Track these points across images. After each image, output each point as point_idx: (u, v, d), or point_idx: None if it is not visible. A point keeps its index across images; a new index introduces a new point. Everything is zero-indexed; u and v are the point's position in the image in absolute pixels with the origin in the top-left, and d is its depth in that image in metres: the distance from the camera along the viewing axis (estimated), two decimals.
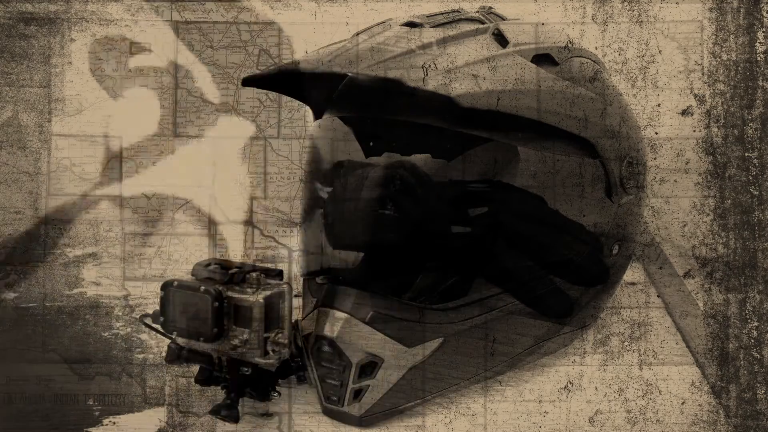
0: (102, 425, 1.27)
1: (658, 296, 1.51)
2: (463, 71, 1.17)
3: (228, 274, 1.17)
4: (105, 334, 1.45)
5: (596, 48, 1.56)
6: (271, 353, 1.15)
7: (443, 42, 1.20)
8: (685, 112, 1.57)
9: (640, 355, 1.39)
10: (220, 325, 1.15)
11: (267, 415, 1.25)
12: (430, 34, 1.21)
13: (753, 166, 1.52)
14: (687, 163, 1.57)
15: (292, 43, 1.59)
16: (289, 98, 1.27)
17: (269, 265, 1.25)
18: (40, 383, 1.34)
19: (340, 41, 1.24)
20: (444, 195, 1.27)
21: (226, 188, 1.59)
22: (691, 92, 1.57)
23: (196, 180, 1.59)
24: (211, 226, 1.58)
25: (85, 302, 1.51)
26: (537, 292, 1.28)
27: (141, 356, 1.40)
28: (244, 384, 1.19)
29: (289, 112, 1.59)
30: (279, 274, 1.21)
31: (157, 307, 1.20)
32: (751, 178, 1.52)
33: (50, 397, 1.32)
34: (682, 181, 1.57)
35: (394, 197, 1.29)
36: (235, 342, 1.15)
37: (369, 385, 1.20)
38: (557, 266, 1.29)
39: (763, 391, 1.37)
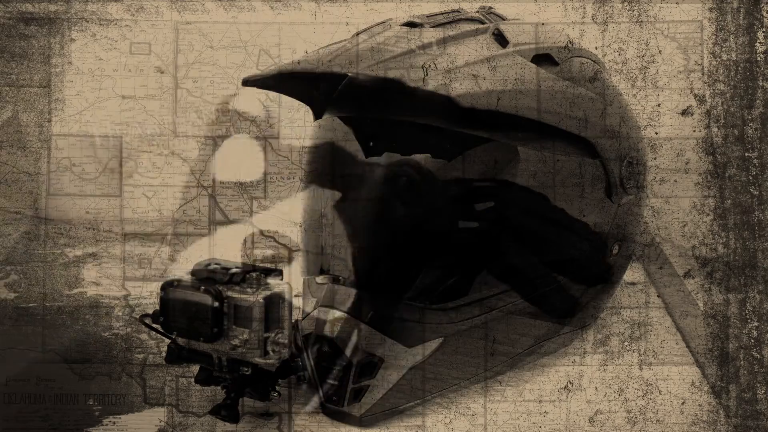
0: (102, 425, 1.27)
1: (658, 296, 1.51)
2: (463, 71, 1.17)
3: (228, 274, 1.17)
4: (105, 334, 1.45)
5: (596, 48, 1.55)
6: (271, 353, 1.15)
7: (443, 42, 1.20)
8: (685, 112, 1.57)
9: (640, 355, 1.39)
10: (220, 325, 1.15)
11: (267, 415, 1.25)
12: (430, 34, 1.21)
13: (753, 166, 1.52)
14: (687, 163, 1.57)
15: (293, 43, 1.59)
16: (289, 98, 1.27)
17: (269, 265, 1.25)
18: (40, 383, 1.34)
19: (340, 41, 1.24)
20: (449, 191, 1.27)
21: (226, 188, 1.59)
22: (691, 92, 1.57)
23: (197, 180, 1.58)
24: (211, 226, 1.58)
25: (85, 302, 1.51)
26: (541, 290, 1.28)
27: (141, 356, 1.40)
28: (244, 384, 1.19)
29: (289, 112, 1.59)
30: (279, 274, 1.21)
31: (157, 307, 1.20)
32: (751, 178, 1.52)
33: (50, 397, 1.32)
34: (682, 181, 1.57)
35: (400, 195, 1.29)
36: (235, 342, 1.15)
37: (369, 385, 1.20)
38: (561, 264, 1.29)
39: (763, 391, 1.37)
